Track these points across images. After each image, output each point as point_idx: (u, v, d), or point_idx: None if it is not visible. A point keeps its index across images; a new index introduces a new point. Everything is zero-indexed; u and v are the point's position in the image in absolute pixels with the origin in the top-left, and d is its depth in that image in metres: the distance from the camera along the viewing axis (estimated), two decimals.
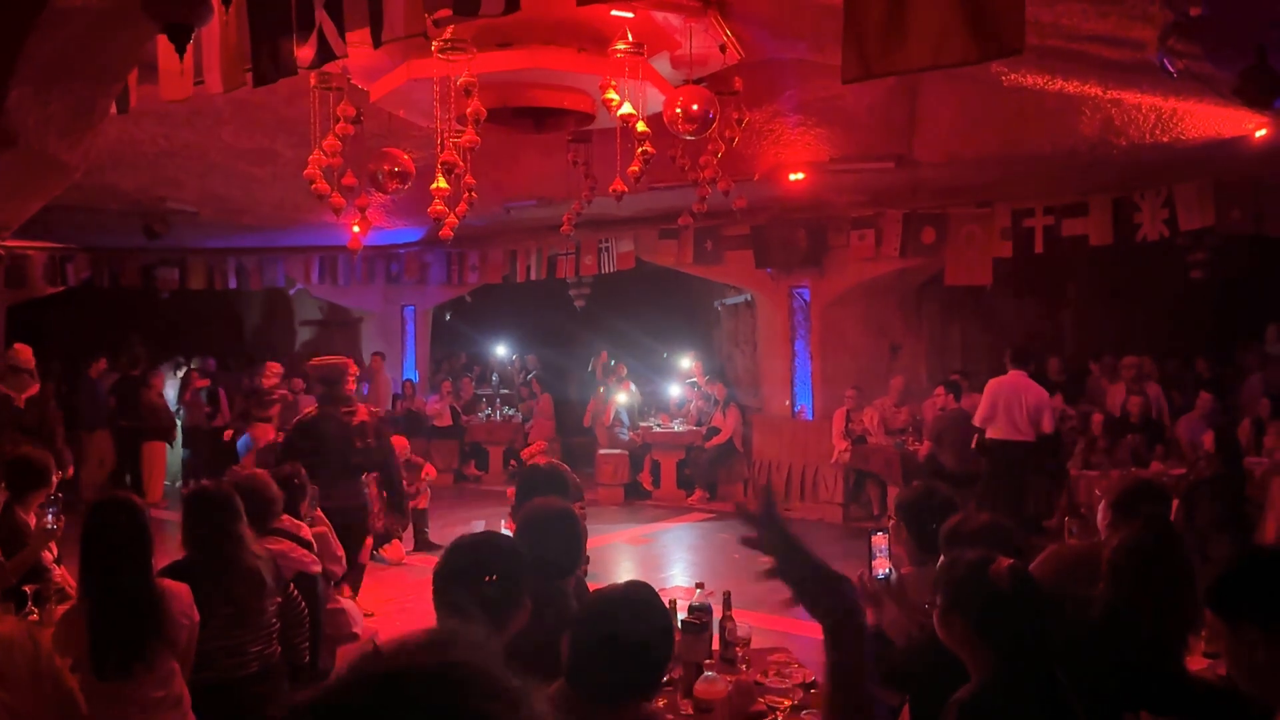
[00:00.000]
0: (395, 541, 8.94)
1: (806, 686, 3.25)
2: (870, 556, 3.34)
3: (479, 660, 0.91)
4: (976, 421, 8.58)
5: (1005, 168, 8.45)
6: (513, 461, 13.52)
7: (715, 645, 3.48)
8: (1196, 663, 3.03)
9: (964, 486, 8.28)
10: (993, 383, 8.47)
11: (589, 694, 2.15)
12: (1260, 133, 6.69)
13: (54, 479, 4.67)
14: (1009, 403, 8.26)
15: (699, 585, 3.82)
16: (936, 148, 8.03)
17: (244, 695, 3.56)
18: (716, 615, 3.58)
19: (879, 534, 3.41)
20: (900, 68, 2.86)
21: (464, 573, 2.53)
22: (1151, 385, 9.71)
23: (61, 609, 3.82)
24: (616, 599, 2.31)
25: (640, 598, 2.31)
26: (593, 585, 3.57)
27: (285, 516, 4.45)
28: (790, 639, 6.22)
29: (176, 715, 3.17)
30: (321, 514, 5.57)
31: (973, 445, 8.86)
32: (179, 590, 3.26)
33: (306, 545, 4.46)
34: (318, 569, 4.43)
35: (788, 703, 3.11)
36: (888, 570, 3.33)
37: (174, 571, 3.50)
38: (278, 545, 4.17)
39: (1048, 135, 7.29)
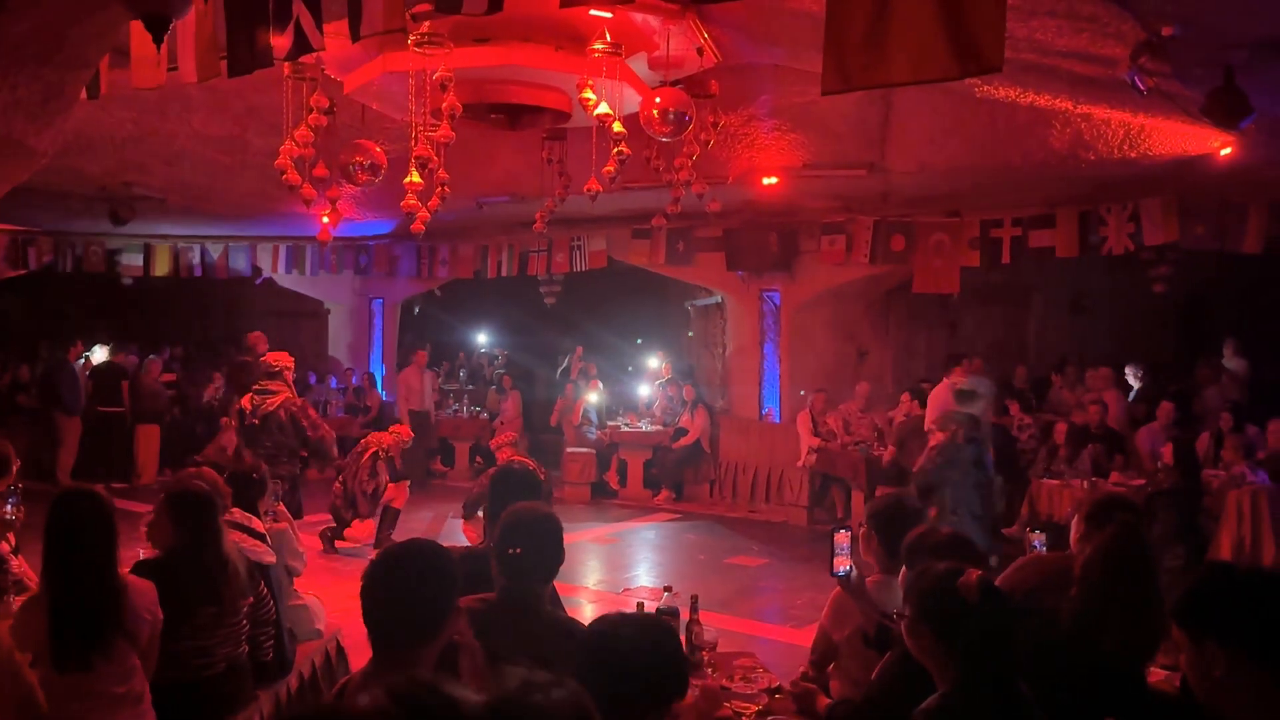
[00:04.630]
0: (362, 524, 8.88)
1: (772, 692, 3.25)
2: (832, 554, 3.37)
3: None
4: (928, 427, 8.85)
5: (975, 178, 8.54)
6: (478, 458, 13.47)
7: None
8: (1153, 674, 3.08)
9: (927, 493, 8.36)
10: (933, 391, 8.97)
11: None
12: (1225, 151, 6.80)
13: (14, 467, 4.59)
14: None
15: (667, 588, 3.83)
16: (908, 156, 8.10)
17: (209, 694, 3.53)
18: (684, 618, 3.58)
19: (841, 531, 3.44)
20: (880, 82, 2.87)
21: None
22: (1110, 394, 9.82)
23: (20, 600, 3.76)
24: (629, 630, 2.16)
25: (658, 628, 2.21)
26: (559, 584, 3.56)
27: (235, 510, 4.41)
28: (756, 642, 6.27)
29: (137, 713, 3.13)
30: (284, 509, 5.52)
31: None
32: (143, 586, 3.22)
33: (259, 537, 4.43)
34: (271, 559, 4.39)
35: (754, 708, 3.11)
36: (849, 567, 3.36)
37: (155, 568, 3.46)
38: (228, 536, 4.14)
39: (1018, 147, 7.38)
